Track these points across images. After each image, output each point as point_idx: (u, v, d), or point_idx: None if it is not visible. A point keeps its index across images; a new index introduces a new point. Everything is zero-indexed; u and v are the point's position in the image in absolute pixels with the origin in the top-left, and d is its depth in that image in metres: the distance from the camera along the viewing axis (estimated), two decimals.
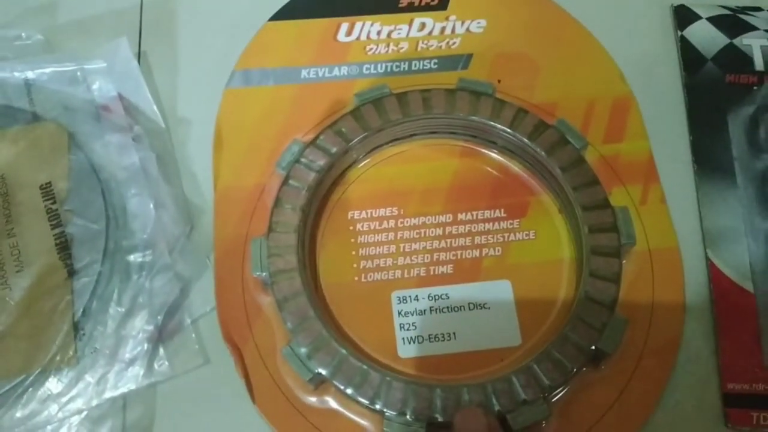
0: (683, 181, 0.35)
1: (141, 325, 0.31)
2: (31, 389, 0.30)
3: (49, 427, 0.29)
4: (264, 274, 0.31)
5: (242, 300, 0.32)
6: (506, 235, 0.33)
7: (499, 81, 0.36)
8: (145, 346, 0.31)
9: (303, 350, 0.29)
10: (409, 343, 0.31)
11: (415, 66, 0.37)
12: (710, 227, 0.34)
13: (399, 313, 0.32)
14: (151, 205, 0.33)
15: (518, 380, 0.29)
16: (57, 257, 0.31)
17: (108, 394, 0.30)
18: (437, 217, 0.34)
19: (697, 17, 0.39)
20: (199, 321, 0.32)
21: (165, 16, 0.39)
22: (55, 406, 0.30)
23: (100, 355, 0.30)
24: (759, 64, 0.37)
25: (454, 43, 0.38)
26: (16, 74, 0.35)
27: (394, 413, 0.28)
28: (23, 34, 0.37)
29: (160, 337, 0.31)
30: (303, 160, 0.33)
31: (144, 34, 0.39)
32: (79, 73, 0.35)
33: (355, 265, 0.33)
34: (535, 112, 0.34)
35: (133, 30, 0.39)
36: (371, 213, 0.34)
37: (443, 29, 0.38)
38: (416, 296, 0.32)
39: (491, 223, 0.34)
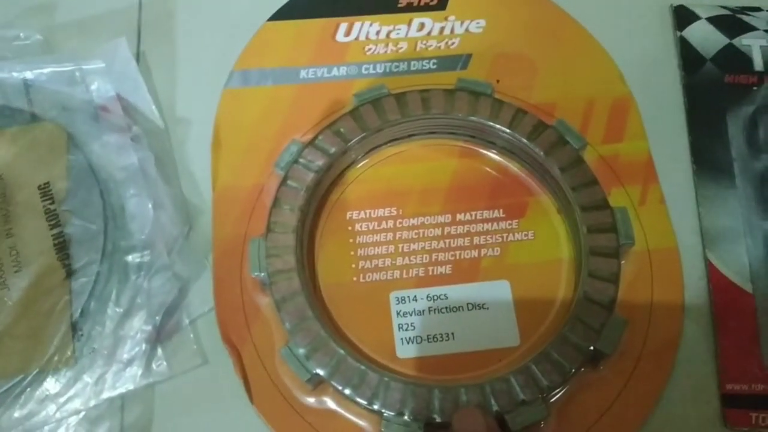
0: (682, 182, 0.35)
1: (139, 325, 0.31)
2: (29, 389, 0.30)
3: (46, 428, 0.29)
4: (262, 274, 0.31)
5: (241, 300, 0.32)
6: (505, 235, 0.33)
7: (498, 81, 0.36)
8: (144, 346, 0.31)
9: (301, 351, 0.29)
10: (408, 343, 0.31)
11: (414, 66, 0.37)
12: (709, 228, 0.34)
13: (397, 314, 0.32)
14: (150, 206, 0.33)
15: (517, 381, 0.29)
16: (55, 257, 0.31)
17: (106, 395, 0.30)
18: (436, 217, 0.34)
19: (697, 17, 0.39)
20: (197, 321, 0.32)
21: (164, 16, 0.39)
22: (53, 407, 0.30)
23: (98, 355, 0.30)
24: (758, 65, 0.37)
25: (453, 43, 0.38)
26: (15, 74, 0.35)
27: (393, 414, 0.28)
28: (22, 34, 0.37)
29: (158, 337, 0.31)
30: (301, 160, 0.33)
31: (143, 34, 0.39)
32: (77, 74, 0.35)
33: (353, 266, 0.33)
34: (534, 112, 0.34)
35: (131, 30, 0.39)
36: (370, 213, 0.34)
37: (442, 29, 0.38)
38: (415, 296, 0.32)
39: (490, 224, 0.33)
